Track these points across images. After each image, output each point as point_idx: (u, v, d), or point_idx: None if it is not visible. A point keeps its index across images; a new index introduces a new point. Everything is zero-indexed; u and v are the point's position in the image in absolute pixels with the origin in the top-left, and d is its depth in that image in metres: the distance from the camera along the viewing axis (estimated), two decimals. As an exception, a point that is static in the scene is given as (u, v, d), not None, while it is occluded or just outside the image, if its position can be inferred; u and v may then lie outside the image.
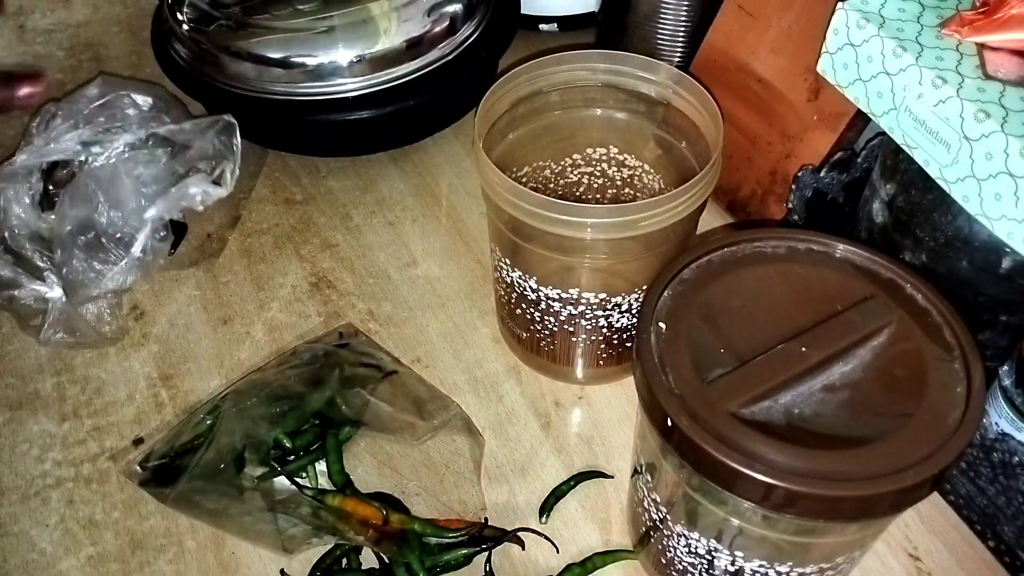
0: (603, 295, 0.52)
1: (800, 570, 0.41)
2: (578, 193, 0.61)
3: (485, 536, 0.52)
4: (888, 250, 0.53)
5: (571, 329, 0.55)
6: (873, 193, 0.55)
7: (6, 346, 0.64)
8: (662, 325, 0.41)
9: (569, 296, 0.53)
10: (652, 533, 0.47)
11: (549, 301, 0.54)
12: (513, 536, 0.52)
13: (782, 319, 0.41)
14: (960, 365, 0.39)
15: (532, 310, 0.55)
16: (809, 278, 0.43)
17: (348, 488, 0.54)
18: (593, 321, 0.54)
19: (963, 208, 0.45)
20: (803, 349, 0.39)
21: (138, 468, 0.55)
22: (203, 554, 0.52)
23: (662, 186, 0.59)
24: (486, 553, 0.51)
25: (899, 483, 0.34)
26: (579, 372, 0.60)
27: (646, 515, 0.47)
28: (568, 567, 0.51)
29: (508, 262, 0.54)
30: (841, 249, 0.44)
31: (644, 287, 0.52)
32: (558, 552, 0.52)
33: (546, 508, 0.54)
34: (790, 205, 0.61)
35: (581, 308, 0.53)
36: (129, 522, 0.54)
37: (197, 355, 0.63)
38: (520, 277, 0.54)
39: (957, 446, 0.36)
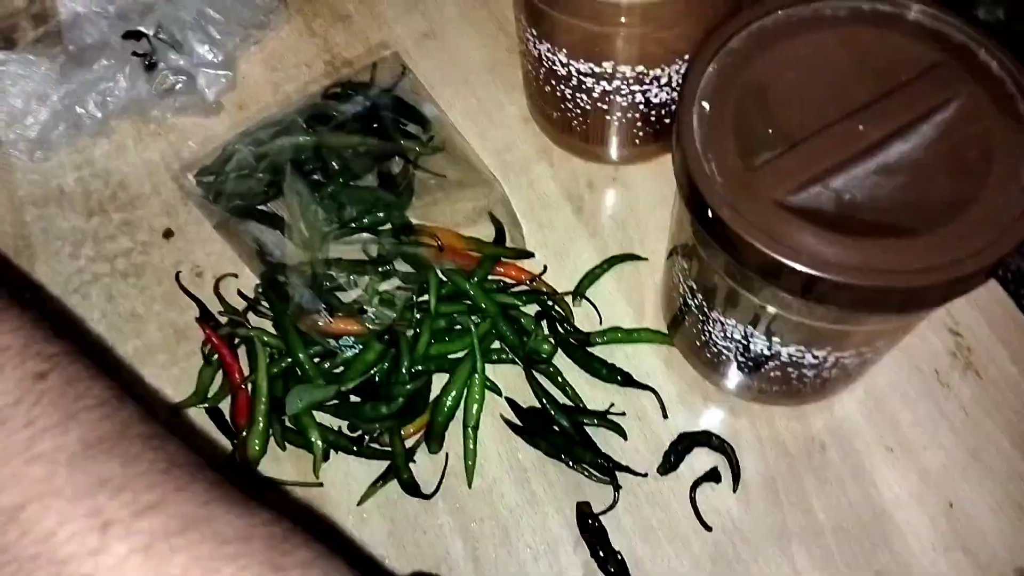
0: (640, 68, 0.48)
1: (839, 354, 0.41)
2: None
3: (537, 289, 0.54)
4: (962, 4, 0.47)
5: (605, 107, 0.51)
6: (952, -64, 0.48)
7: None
8: (705, 105, 0.37)
9: (603, 70, 0.48)
10: (687, 318, 0.47)
11: (581, 77, 0.49)
12: (561, 298, 0.53)
13: (840, 94, 0.37)
14: (1034, 141, 0.35)
15: (562, 87, 0.51)
16: (872, 44, 0.38)
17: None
18: (629, 97, 0.50)
19: (1059, -47, 0.39)
20: (860, 127, 0.36)
21: (192, 179, 0.57)
22: (245, 343, 0.54)
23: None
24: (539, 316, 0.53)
25: (952, 274, 0.32)
26: (613, 152, 0.57)
27: (681, 300, 0.46)
28: (613, 328, 0.52)
29: (534, 33, 0.49)
30: (912, 10, 0.39)
31: (686, 56, 0.48)
32: (600, 321, 0.53)
33: (580, 291, 0.53)
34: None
35: (616, 83, 0.49)
36: (171, 314, 0.55)
37: (215, 142, 0.61)
38: (548, 50, 0.49)
39: (1018, 233, 0.33)
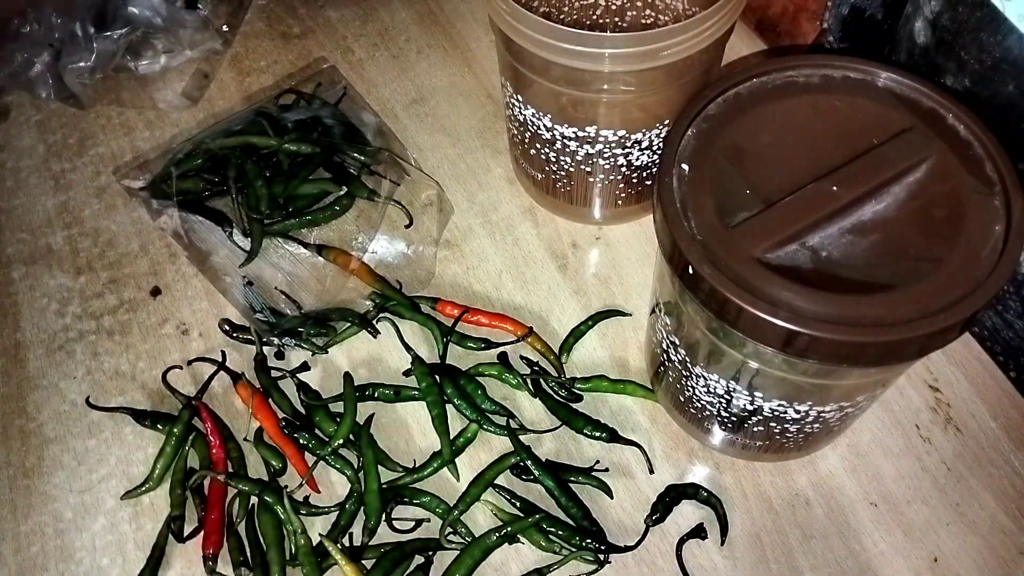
0: (622, 132, 0.50)
1: (820, 408, 0.41)
2: (595, 16, 0.56)
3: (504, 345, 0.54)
4: (928, 73, 0.49)
5: (588, 169, 0.53)
6: (916, 10, 0.51)
7: (13, 200, 0.63)
8: (685, 167, 0.39)
9: (586, 134, 0.50)
10: (670, 373, 0.47)
11: (564, 140, 0.51)
12: (553, 353, 0.54)
13: (813, 156, 0.39)
14: (1000, 201, 0.37)
15: (547, 150, 0.53)
16: (844, 110, 0.40)
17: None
18: (612, 160, 0.52)
19: (1015, 27, 0.41)
20: (834, 188, 0.37)
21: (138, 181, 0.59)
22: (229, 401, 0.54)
23: (686, 4, 0.54)
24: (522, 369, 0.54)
25: (927, 328, 0.33)
26: (596, 212, 0.58)
27: (664, 356, 0.46)
28: (598, 376, 0.52)
29: (520, 98, 0.51)
30: (881, 77, 0.41)
31: (666, 121, 0.50)
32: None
33: (565, 348, 0.54)
34: (825, 25, 0.57)
35: (599, 147, 0.51)
36: (155, 372, 0.55)
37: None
38: (533, 115, 0.51)
39: (991, 289, 0.34)
